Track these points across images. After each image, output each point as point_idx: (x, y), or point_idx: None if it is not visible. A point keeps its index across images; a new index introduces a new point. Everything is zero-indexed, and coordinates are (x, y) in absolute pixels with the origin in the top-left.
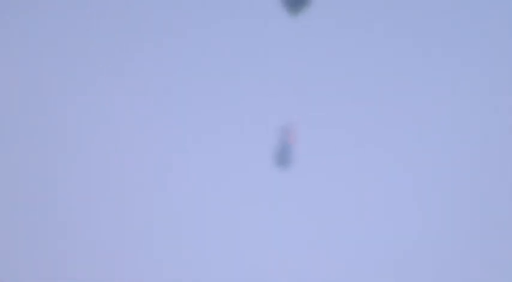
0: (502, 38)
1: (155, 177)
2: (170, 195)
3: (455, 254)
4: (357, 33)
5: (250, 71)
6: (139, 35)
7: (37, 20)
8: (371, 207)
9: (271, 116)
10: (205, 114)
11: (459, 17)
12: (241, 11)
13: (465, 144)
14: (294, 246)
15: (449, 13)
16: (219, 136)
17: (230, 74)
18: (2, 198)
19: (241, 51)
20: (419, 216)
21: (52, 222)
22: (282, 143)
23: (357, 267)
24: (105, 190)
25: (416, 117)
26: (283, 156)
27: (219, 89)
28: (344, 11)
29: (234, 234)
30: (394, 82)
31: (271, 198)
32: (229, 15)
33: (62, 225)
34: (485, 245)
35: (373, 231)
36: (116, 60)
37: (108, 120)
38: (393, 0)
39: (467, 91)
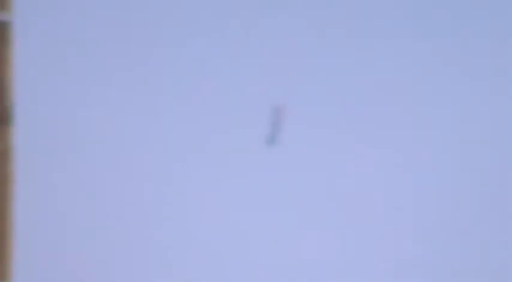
0: (504, 37)
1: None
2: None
3: (453, 256)
4: (359, 25)
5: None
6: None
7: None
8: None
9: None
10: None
11: (460, 16)
12: None
13: (467, 144)
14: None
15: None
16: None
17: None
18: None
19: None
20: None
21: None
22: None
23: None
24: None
25: (417, 115)
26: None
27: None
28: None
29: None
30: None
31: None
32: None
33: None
34: (485, 245)
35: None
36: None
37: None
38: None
39: (469, 89)
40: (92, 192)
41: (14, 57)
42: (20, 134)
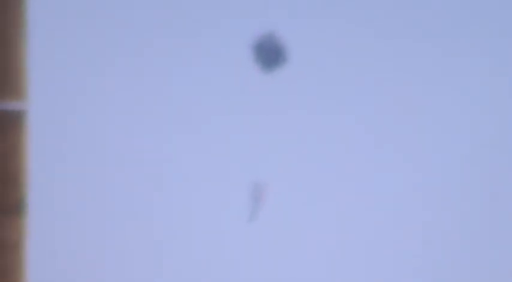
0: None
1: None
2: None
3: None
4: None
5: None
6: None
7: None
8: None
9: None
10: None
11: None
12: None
13: (470, 144)
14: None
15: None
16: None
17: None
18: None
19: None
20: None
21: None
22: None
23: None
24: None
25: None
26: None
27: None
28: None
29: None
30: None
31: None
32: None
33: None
34: (489, 246)
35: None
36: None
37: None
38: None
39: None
40: (99, 194)
41: (28, 146)
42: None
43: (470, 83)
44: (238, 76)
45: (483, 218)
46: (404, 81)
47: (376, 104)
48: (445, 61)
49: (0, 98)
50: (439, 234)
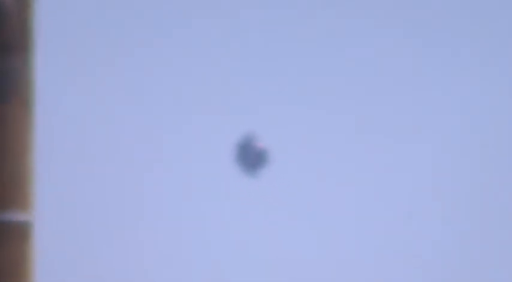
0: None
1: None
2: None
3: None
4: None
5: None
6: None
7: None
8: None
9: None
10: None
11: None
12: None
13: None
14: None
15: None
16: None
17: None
18: None
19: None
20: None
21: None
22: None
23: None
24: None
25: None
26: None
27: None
28: None
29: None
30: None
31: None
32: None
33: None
34: (491, 246)
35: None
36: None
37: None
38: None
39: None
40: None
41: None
42: None
43: (470, 83)
44: None
45: (483, 217)
46: (404, 83)
47: (376, 106)
48: (445, 61)
49: (4, 208)
50: (440, 234)
